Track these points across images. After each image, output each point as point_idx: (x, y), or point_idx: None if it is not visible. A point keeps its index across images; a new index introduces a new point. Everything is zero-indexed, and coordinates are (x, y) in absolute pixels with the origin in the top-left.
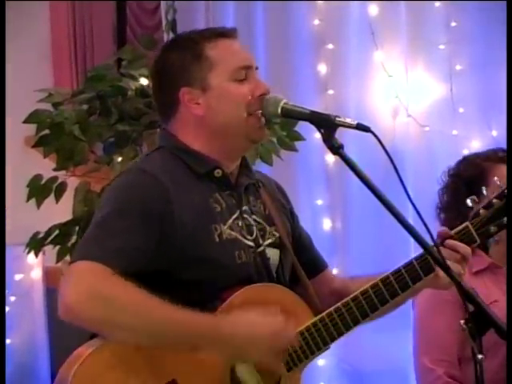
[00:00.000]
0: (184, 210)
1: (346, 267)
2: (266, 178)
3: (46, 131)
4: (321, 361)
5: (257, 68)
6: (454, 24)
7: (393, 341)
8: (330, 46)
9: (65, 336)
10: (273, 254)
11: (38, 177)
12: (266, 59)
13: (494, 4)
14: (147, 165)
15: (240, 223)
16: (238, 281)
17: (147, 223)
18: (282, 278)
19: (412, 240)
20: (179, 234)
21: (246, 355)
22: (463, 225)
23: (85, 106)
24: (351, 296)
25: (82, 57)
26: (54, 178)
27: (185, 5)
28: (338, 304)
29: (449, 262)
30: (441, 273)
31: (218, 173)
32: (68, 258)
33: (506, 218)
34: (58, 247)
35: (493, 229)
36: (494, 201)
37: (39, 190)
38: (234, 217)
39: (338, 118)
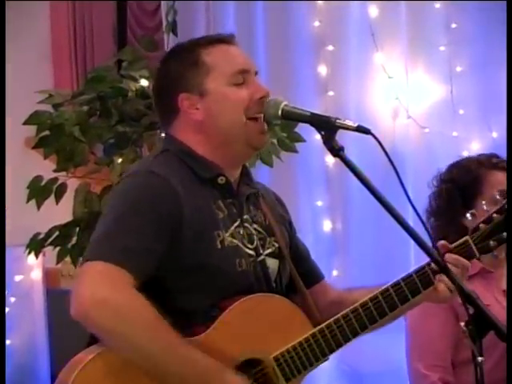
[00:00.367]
0: (191, 215)
1: (345, 268)
2: (265, 189)
3: (47, 132)
4: None
5: (256, 73)
6: (454, 25)
7: (392, 342)
8: (330, 48)
9: (65, 337)
10: (272, 264)
11: (38, 178)
12: (267, 61)
13: (495, 4)
14: (157, 167)
15: (241, 231)
16: (238, 289)
17: (161, 225)
18: (280, 288)
19: (412, 242)
20: (184, 239)
21: None
22: (463, 239)
23: (85, 108)
24: (351, 308)
25: (82, 57)
26: (54, 179)
27: (185, 5)
28: (338, 315)
29: None
30: (440, 286)
31: (221, 180)
32: (68, 259)
33: (505, 233)
34: (58, 248)
35: (492, 243)
36: (494, 215)
37: (39, 191)
38: (236, 225)
39: (338, 120)
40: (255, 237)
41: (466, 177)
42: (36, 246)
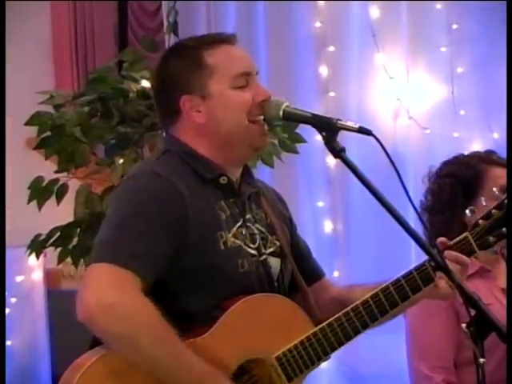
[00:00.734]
0: (195, 216)
1: (346, 269)
2: (266, 187)
3: (48, 133)
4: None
5: (257, 73)
6: (455, 26)
7: (393, 343)
8: (331, 48)
9: (66, 338)
10: (274, 263)
11: (39, 179)
12: (267, 61)
13: (496, 4)
14: (160, 168)
15: (244, 231)
16: (240, 289)
17: (167, 228)
18: (282, 287)
19: (413, 242)
20: (188, 240)
21: None
22: (462, 235)
23: (86, 108)
24: (352, 306)
25: (83, 56)
26: (56, 180)
27: (185, 5)
28: (339, 314)
29: None
30: (440, 283)
31: (223, 180)
32: (69, 259)
33: (505, 229)
34: (59, 249)
35: (492, 239)
36: (493, 211)
37: (40, 192)
38: (238, 225)
39: (339, 122)
40: (257, 236)
41: (468, 171)
42: (37, 246)
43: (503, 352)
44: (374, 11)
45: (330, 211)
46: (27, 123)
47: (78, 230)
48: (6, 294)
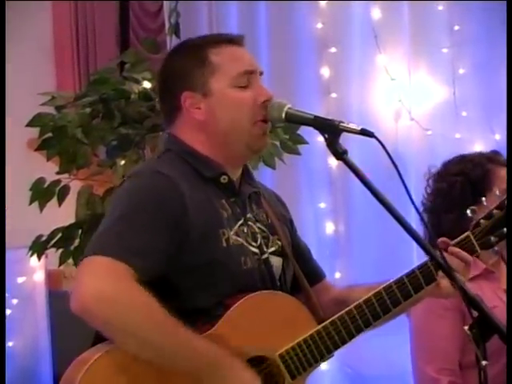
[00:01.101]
0: (196, 215)
1: (348, 271)
2: (266, 189)
3: (49, 134)
4: (323, 365)
5: (261, 73)
6: (456, 27)
7: (395, 344)
8: (333, 50)
9: (67, 339)
10: (276, 262)
11: (40, 180)
12: (269, 63)
13: (497, 4)
14: (162, 167)
15: (245, 230)
16: (243, 287)
17: (166, 225)
18: (285, 287)
19: (414, 244)
20: (189, 238)
21: None
22: (464, 235)
23: (88, 110)
24: (355, 304)
25: (84, 57)
26: (57, 181)
27: (187, 5)
28: (342, 312)
29: None
30: (442, 282)
31: (224, 179)
32: (71, 261)
33: (505, 229)
34: (60, 250)
35: (493, 239)
36: (494, 211)
37: (42, 193)
38: (240, 223)
39: (342, 124)
40: (259, 235)
41: (477, 170)
42: (38, 247)
43: None
44: (376, 12)
45: (332, 212)
46: (29, 124)
47: (80, 231)
48: (8, 295)
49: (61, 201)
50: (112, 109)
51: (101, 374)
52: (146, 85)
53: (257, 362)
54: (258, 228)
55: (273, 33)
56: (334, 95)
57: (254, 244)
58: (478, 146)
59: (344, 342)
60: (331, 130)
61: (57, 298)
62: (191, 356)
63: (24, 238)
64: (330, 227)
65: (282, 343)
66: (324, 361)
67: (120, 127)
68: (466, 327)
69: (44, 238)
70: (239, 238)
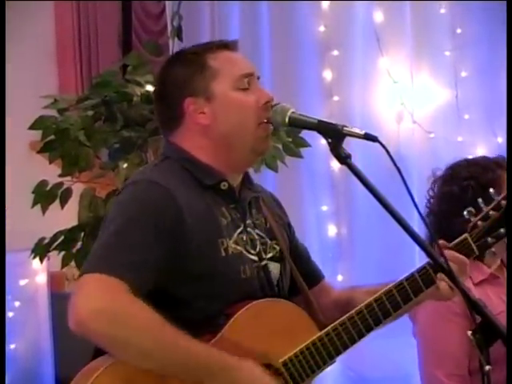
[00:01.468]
0: (194, 226)
1: (350, 273)
2: (264, 191)
3: (52, 137)
4: None
5: (258, 78)
6: (459, 30)
7: (397, 347)
8: (335, 53)
9: (69, 341)
10: (274, 268)
11: (43, 182)
12: (271, 65)
13: (499, 4)
14: (158, 176)
15: (244, 237)
16: (243, 296)
17: (161, 239)
18: (283, 292)
19: (416, 246)
20: (187, 249)
21: None
22: (462, 237)
23: (90, 112)
24: (356, 309)
25: (86, 57)
26: (60, 184)
27: (190, 5)
28: (343, 317)
29: None
30: (441, 285)
31: (224, 185)
32: (73, 263)
33: (502, 229)
34: (62, 253)
35: (490, 240)
36: (491, 212)
37: (44, 196)
38: (239, 231)
39: (345, 128)
40: (257, 242)
41: (488, 175)
42: (41, 250)
43: None
44: (378, 15)
45: (334, 215)
46: (31, 127)
47: (82, 233)
48: (10, 297)
49: (63, 203)
50: (114, 111)
51: None
52: (149, 88)
53: None
54: (257, 234)
55: (275, 35)
56: (336, 98)
57: (252, 252)
58: (481, 149)
59: (346, 348)
60: (335, 135)
61: (59, 300)
62: (195, 363)
63: (26, 241)
64: (332, 230)
65: (284, 351)
66: (327, 367)
67: (122, 130)
68: (469, 332)
69: (46, 241)
70: (238, 247)
